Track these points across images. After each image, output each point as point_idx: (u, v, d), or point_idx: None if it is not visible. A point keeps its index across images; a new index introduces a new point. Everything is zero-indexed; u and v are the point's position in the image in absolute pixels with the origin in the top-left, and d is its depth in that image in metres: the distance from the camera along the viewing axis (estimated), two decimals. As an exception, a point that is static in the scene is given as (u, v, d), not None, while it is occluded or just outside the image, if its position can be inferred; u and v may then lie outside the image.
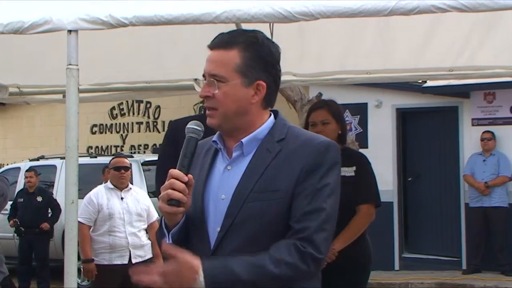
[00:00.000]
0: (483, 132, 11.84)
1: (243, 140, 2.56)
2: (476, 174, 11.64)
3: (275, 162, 2.49)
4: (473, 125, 12.12)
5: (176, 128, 5.38)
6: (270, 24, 4.81)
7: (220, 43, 2.58)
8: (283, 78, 6.31)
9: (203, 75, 2.61)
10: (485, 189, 11.45)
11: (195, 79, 3.08)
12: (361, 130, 12.79)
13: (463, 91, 11.85)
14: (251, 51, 2.54)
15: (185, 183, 2.48)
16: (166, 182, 2.49)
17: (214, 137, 2.65)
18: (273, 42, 2.60)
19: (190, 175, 2.51)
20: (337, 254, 4.77)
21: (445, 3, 3.56)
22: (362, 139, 12.24)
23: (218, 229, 2.50)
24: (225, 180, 2.56)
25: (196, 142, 2.59)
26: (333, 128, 5.04)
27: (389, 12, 3.64)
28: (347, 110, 12.09)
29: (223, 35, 2.60)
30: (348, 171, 4.95)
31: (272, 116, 2.62)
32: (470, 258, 11.84)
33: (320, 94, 10.34)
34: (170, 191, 2.46)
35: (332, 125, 5.05)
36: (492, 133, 11.85)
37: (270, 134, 2.56)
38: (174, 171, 2.50)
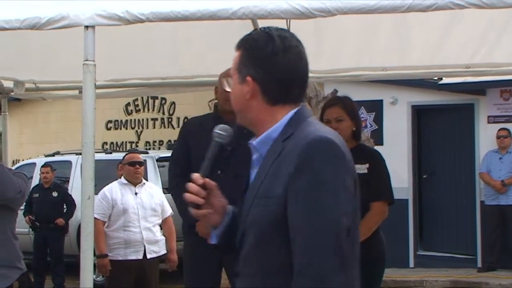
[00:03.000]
0: (499, 130, 11.77)
1: (254, 141, 2.55)
2: (492, 172, 11.57)
3: (275, 164, 2.40)
4: (489, 122, 12.06)
5: (189, 127, 5.41)
6: (287, 21, 4.80)
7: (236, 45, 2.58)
8: (298, 74, 6.37)
9: None
10: (501, 187, 11.38)
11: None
12: (377, 127, 12.74)
13: (479, 88, 11.79)
14: (244, 48, 2.52)
15: (203, 185, 2.47)
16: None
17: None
18: (272, 36, 2.48)
19: (207, 178, 2.50)
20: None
21: (463, -1, 3.54)
22: (378, 136, 12.21)
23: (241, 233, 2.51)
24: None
25: (220, 145, 2.60)
26: (347, 125, 5.03)
27: (407, 8, 3.62)
28: (362, 107, 12.06)
29: None
30: (361, 169, 4.93)
31: (292, 112, 2.49)
32: (485, 256, 11.79)
33: (336, 91, 10.31)
34: (187, 194, 2.46)
35: (347, 122, 5.03)
36: (508, 130, 11.78)
37: (282, 133, 2.47)
38: (193, 175, 2.50)
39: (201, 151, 5.07)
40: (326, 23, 4.92)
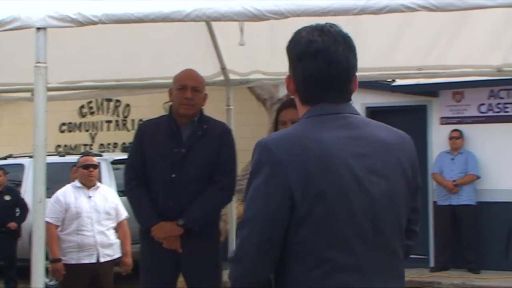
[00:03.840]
0: (452, 131, 11.92)
1: None
2: (444, 172, 11.72)
3: None
4: (441, 123, 12.20)
5: (144, 129, 5.39)
6: (240, 23, 4.81)
7: None
8: (253, 76, 6.40)
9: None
10: (453, 187, 11.54)
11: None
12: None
13: (432, 90, 11.92)
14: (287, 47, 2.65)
15: None
16: None
17: None
18: (300, 40, 2.56)
19: None
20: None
21: (414, 2, 3.58)
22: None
23: None
24: None
25: None
26: (302, 127, 5.04)
27: (359, 11, 3.65)
28: (317, 109, 12.10)
29: None
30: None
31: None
32: (438, 256, 11.91)
33: (290, 93, 10.34)
34: None
35: (302, 124, 5.04)
36: (460, 131, 11.94)
37: None
38: None
39: (156, 154, 5.11)
40: (280, 25, 4.92)
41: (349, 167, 2.41)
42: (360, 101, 12.58)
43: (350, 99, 2.59)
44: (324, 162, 2.38)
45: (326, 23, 2.57)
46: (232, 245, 6.32)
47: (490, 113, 12.04)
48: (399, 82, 11.52)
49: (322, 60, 2.49)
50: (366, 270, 2.43)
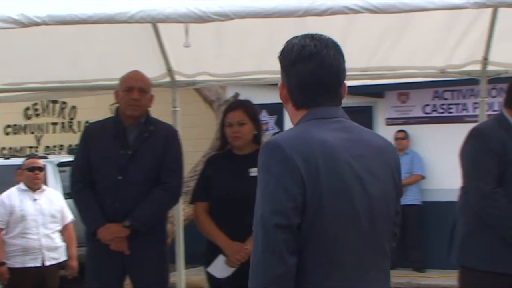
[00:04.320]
0: (397, 132, 12.06)
1: None
2: (390, 172, 11.84)
3: None
4: (387, 124, 12.34)
5: (90, 131, 5.36)
6: (185, 24, 4.80)
7: None
8: (199, 78, 6.39)
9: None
10: (399, 187, 11.67)
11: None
12: (279, 130, 12.86)
13: (377, 91, 12.05)
14: (279, 55, 2.74)
15: None
16: None
17: None
18: (293, 46, 2.65)
19: None
20: (250, 254, 4.81)
21: (357, 4, 3.63)
22: (279, 139, 12.30)
23: None
24: None
25: None
26: (249, 128, 5.07)
27: (303, 13, 3.68)
28: (264, 110, 12.15)
29: None
30: (259, 172, 4.99)
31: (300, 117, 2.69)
32: (384, 255, 12.03)
33: (237, 94, 10.37)
34: None
35: (249, 126, 5.07)
36: (406, 132, 12.09)
37: None
38: None
39: (102, 156, 5.08)
40: (226, 26, 4.94)
41: (351, 168, 2.50)
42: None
43: (341, 104, 2.70)
44: (330, 161, 2.47)
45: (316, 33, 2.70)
46: (180, 246, 6.31)
47: (434, 114, 12.22)
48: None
49: (315, 63, 2.60)
50: (365, 268, 2.53)
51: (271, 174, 2.46)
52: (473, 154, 4.64)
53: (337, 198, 2.45)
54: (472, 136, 4.68)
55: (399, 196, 2.71)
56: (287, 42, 2.69)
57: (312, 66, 2.59)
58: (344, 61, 2.68)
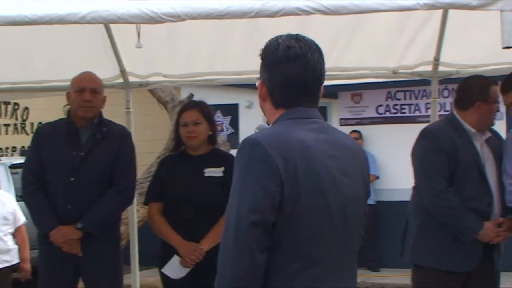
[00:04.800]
0: (351, 132, 12.14)
1: None
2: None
3: None
4: (341, 125, 12.42)
5: (42, 132, 5.31)
6: (137, 25, 4.79)
7: None
8: (152, 79, 6.37)
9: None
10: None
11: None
12: (233, 131, 12.88)
13: (331, 92, 12.12)
14: (261, 53, 2.74)
15: None
16: None
17: None
18: (278, 45, 2.66)
19: None
20: (204, 254, 4.82)
21: (309, 6, 3.64)
22: (234, 140, 12.32)
23: None
24: None
25: None
26: (204, 128, 5.08)
27: (255, 14, 3.69)
28: (218, 111, 12.15)
29: None
30: (217, 172, 5.01)
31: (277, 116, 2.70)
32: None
33: (192, 95, 10.34)
34: None
35: (204, 126, 5.08)
36: (360, 132, 12.18)
37: None
38: None
39: (54, 157, 5.04)
40: (179, 27, 4.93)
41: (326, 167, 2.53)
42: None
43: (318, 105, 2.74)
44: (308, 161, 2.49)
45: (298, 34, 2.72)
46: (134, 247, 6.29)
47: (387, 114, 12.34)
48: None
49: (300, 64, 2.62)
50: (339, 268, 2.56)
51: (250, 171, 2.46)
52: (424, 154, 4.71)
53: (314, 198, 2.47)
54: (423, 137, 4.75)
55: (367, 197, 2.76)
56: (270, 41, 2.70)
57: (297, 68, 2.61)
58: (324, 64, 2.72)
